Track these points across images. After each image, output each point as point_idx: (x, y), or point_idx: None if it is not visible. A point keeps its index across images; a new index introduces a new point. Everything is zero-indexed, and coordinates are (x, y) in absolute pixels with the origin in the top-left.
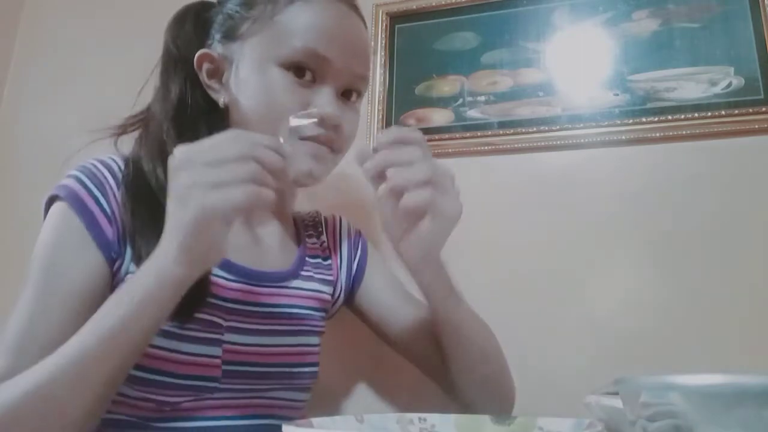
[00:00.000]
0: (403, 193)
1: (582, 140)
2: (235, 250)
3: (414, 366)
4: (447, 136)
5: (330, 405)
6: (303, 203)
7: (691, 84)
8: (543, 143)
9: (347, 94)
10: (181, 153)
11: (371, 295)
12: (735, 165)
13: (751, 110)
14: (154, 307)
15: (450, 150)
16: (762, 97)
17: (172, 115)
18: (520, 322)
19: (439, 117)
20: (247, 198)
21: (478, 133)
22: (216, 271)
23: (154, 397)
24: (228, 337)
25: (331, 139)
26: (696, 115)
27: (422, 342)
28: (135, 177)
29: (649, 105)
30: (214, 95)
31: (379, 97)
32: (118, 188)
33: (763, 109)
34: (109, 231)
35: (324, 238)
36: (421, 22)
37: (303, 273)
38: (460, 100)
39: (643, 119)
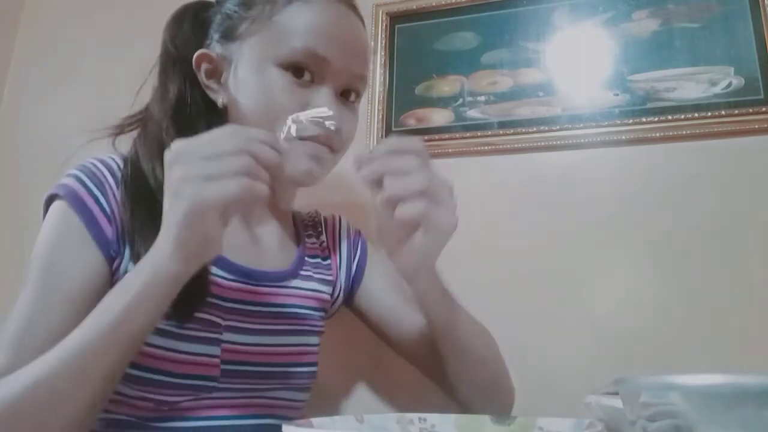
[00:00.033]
0: (398, 202)
1: (582, 140)
2: (234, 249)
3: (414, 366)
4: (447, 136)
5: (330, 405)
6: (302, 203)
7: (691, 84)
8: (543, 143)
9: (346, 94)
10: (176, 147)
11: (371, 295)
12: (735, 165)
13: (751, 110)
14: (151, 302)
15: (450, 150)
16: (762, 97)
17: (170, 114)
18: (520, 322)
19: (439, 117)
20: (239, 190)
21: (478, 133)
22: (215, 270)
23: (152, 396)
24: (227, 336)
25: (330, 139)
26: (696, 115)
27: (422, 342)
28: (134, 176)
29: (649, 105)
30: (212, 95)
31: (379, 97)
32: (118, 187)
33: (763, 109)
34: (109, 230)
35: (323, 237)
36: (421, 22)
37: (302, 273)
38: (460, 100)
39: (643, 119)
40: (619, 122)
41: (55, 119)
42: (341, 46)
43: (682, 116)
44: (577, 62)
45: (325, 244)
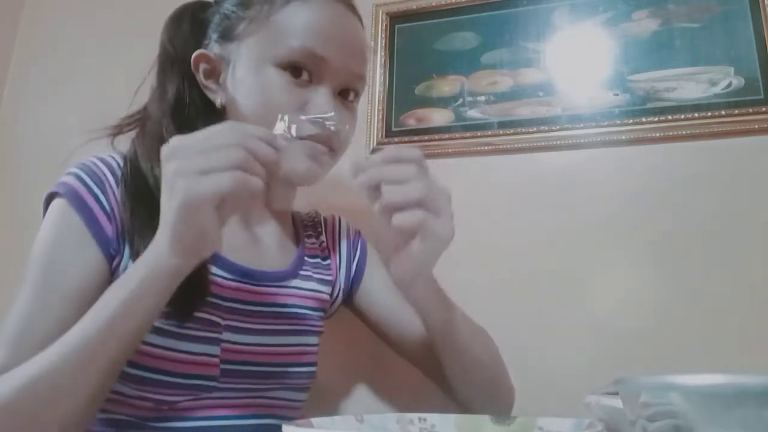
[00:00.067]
0: (395, 210)
1: (582, 140)
2: (233, 249)
3: (414, 366)
4: (447, 136)
5: (330, 405)
6: (302, 203)
7: (691, 84)
8: (543, 143)
9: (345, 93)
10: (172, 142)
11: (370, 295)
12: (735, 165)
13: (751, 110)
14: (151, 297)
15: (450, 150)
16: (762, 97)
17: (169, 114)
18: (520, 322)
19: (439, 117)
20: (233, 183)
21: (478, 133)
22: (215, 270)
23: (152, 396)
24: (226, 336)
25: (329, 139)
26: (696, 115)
27: (421, 343)
28: (133, 176)
29: (649, 105)
30: (211, 95)
31: (379, 97)
32: (118, 186)
33: (763, 109)
34: (109, 228)
35: (323, 238)
36: (421, 22)
37: (302, 273)
38: (460, 100)
39: (643, 119)
40: (619, 122)
41: (55, 119)
42: (339, 45)
43: (682, 116)
44: (577, 62)
45: (324, 244)
